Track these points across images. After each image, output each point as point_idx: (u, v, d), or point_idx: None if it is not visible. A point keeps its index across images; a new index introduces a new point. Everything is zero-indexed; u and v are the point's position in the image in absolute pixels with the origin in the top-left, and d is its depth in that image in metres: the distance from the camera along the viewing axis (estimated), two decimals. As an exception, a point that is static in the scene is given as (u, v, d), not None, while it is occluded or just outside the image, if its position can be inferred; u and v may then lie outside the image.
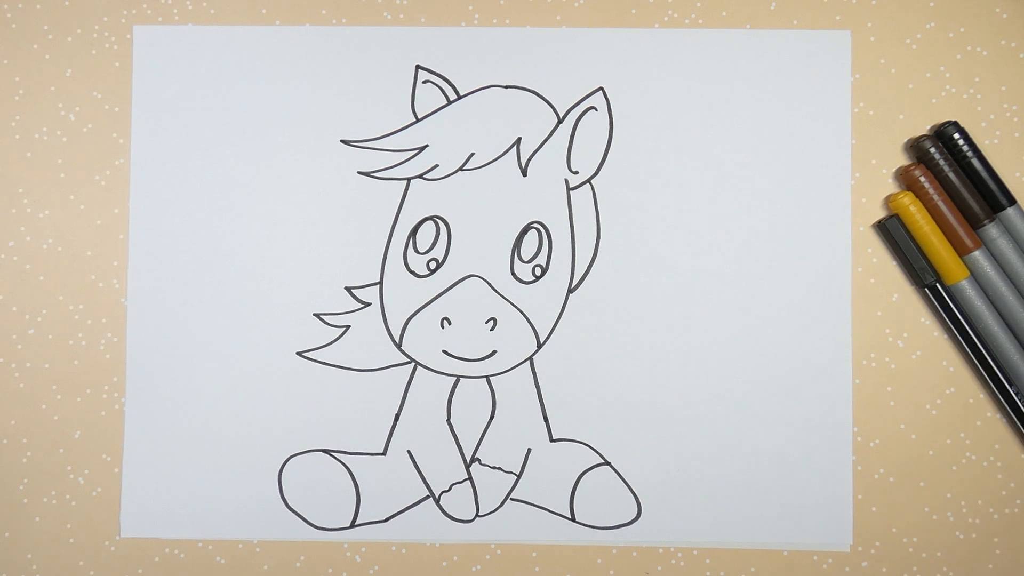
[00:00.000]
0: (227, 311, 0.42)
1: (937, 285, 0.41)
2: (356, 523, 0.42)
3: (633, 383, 0.42)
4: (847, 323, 0.42)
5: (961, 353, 0.42)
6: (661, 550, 0.42)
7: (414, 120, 0.42)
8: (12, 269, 0.42)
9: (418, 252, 0.42)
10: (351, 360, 0.42)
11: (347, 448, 0.42)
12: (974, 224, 0.41)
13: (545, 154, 0.42)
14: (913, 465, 0.42)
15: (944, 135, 0.41)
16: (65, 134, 0.42)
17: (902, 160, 0.42)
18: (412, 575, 0.42)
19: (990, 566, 0.42)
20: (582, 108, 0.42)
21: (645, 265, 0.42)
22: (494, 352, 0.42)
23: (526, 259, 0.42)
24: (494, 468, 0.42)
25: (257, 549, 0.42)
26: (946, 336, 0.42)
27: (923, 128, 0.42)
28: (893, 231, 0.41)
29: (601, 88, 0.42)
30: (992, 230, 0.41)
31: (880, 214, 0.42)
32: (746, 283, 0.42)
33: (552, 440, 0.42)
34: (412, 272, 0.42)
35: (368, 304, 0.42)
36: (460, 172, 0.42)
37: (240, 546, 0.42)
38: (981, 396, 0.42)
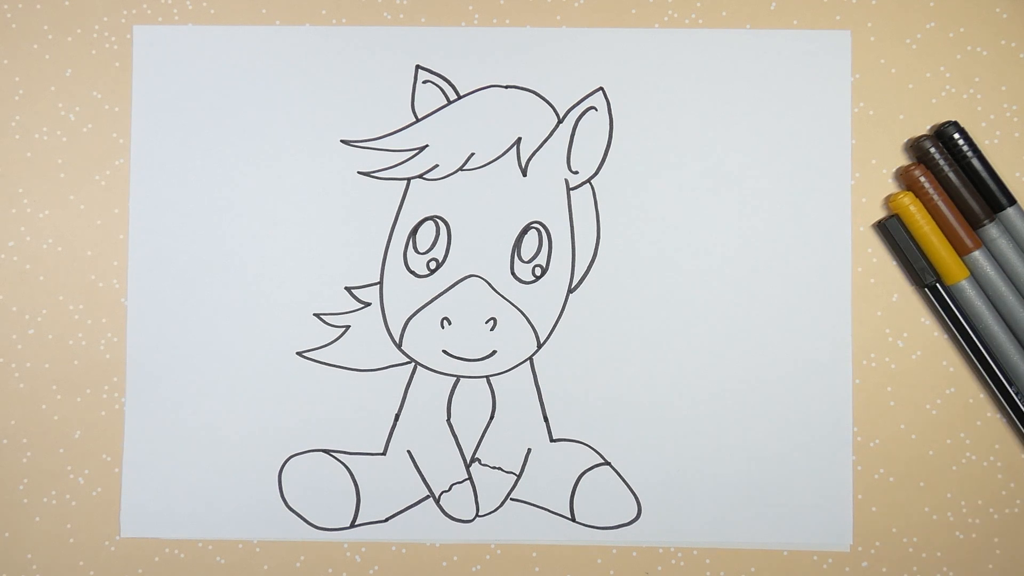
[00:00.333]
0: (227, 311, 0.42)
1: (937, 285, 0.41)
2: (356, 523, 0.42)
3: (633, 383, 0.42)
4: (847, 323, 0.42)
5: (961, 353, 0.42)
6: (661, 550, 0.42)
7: (414, 120, 0.42)
8: (12, 269, 0.42)
9: (418, 252, 0.42)
10: (351, 360, 0.42)
11: (347, 448, 0.42)
12: (974, 224, 0.41)
13: (545, 154, 0.42)
14: (913, 465, 0.42)
15: (944, 135, 0.41)
16: (65, 134, 0.42)
17: (902, 160, 0.42)
18: (412, 575, 0.42)
19: (990, 566, 0.42)
20: (582, 108, 0.42)
21: (645, 265, 0.42)
22: (494, 352, 0.42)
23: (526, 259, 0.42)
24: (494, 468, 0.42)
25: (257, 549, 0.42)
26: (946, 336, 0.42)
27: (923, 128, 0.42)
28: (893, 231, 0.41)
29: (601, 88, 0.42)
30: (992, 230, 0.41)
31: (880, 214, 0.42)
32: (746, 283, 0.42)
33: (552, 440, 0.42)
34: (412, 272, 0.42)
35: (368, 304, 0.42)
36: (460, 172, 0.42)
37: (240, 546, 0.42)
38: (981, 396, 0.42)
